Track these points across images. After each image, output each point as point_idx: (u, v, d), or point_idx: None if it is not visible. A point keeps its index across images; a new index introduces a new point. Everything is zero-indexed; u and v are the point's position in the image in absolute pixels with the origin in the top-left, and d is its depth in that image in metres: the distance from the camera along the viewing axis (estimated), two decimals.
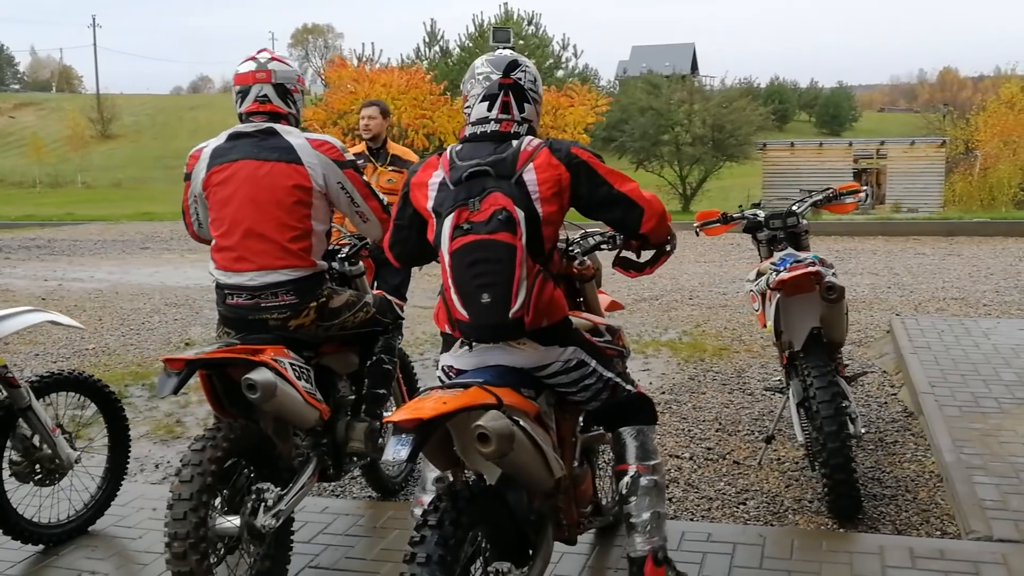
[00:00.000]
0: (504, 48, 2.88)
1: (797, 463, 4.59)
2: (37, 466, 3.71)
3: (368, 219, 3.50)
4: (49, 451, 3.68)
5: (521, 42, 33.77)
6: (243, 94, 3.40)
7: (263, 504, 3.09)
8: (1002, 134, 34.73)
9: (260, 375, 3.03)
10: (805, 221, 4.53)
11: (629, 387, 2.96)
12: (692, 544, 3.57)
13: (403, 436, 2.33)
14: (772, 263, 4.31)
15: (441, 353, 2.91)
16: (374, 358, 3.72)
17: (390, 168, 5.76)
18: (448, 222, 2.64)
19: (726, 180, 32.24)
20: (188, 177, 3.45)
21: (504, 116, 2.74)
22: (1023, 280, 10.47)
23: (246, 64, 3.43)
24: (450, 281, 2.65)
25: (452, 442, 2.60)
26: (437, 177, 2.74)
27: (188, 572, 2.80)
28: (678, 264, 12.58)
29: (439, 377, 2.89)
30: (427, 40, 34.22)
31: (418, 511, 2.93)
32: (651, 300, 9.97)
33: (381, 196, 3.51)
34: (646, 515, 2.80)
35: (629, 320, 8.68)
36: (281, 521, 3.12)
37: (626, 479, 2.84)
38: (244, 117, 3.41)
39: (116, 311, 9.97)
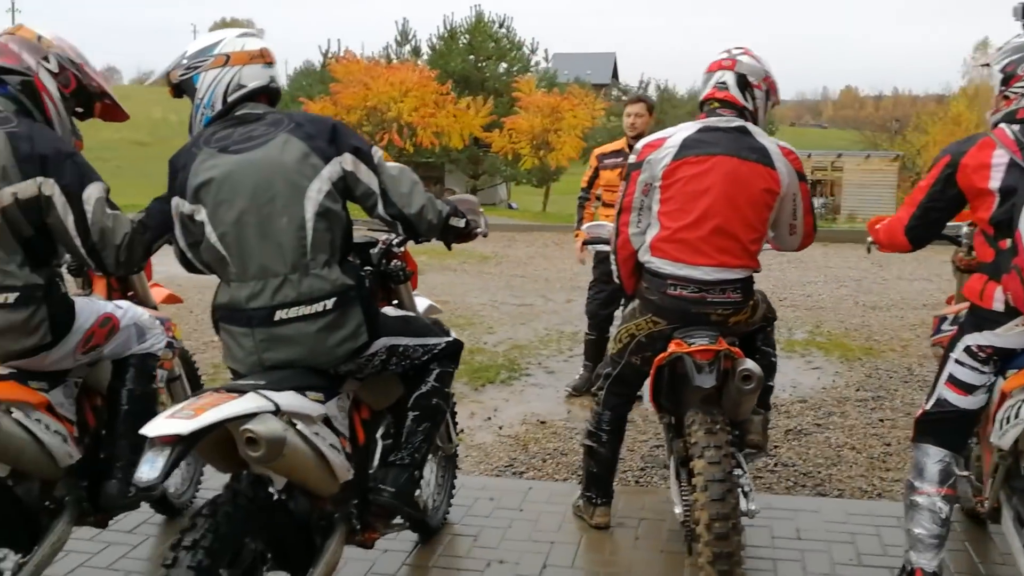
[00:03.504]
0: None
1: None
2: None
3: (796, 232, 3.53)
4: None
5: (492, 44, 33.85)
6: (708, 81, 3.45)
7: (741, 489, 3.12)
8: None
9: (755, 367, 3.05)
10: None
11: None
12: None
13: None
14: None
15: (969, 331, 2.94)
16: (762, 350, 3.75)
17: None
18: None
19: None
20: (638, 166, 3.41)
21: None
22: None
23: (720, 54, 3.47)
24: None
25: None
26: (1001, 157, 2.78)
27: (730, 553, 2.85)
28: None
29: (960, 359, 2.94)
30: (399, 39, 34.07)
31: (921, 499, 2.99)
32: None
33: (816, 213, 3.56)
34: None
35: None
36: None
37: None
38: (703, 105, 3.45)
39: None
